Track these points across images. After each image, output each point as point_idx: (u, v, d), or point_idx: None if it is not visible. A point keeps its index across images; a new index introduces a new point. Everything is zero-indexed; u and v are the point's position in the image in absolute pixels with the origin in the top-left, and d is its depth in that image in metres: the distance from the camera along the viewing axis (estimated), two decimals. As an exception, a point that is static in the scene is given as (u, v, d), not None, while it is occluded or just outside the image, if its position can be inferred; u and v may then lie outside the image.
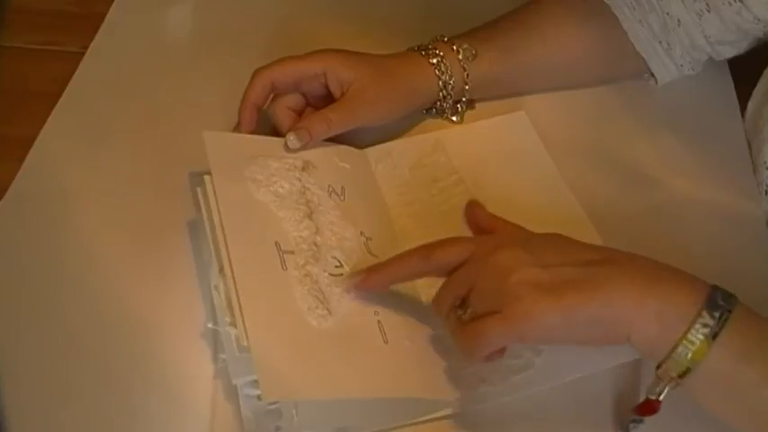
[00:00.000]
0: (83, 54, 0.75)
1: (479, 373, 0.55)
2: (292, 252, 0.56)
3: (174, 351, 0.56)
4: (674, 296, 0.47)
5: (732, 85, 0.76)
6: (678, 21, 0.68)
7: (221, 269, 0.54)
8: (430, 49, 0.69)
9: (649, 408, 0.50)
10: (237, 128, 0.64)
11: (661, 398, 0.49)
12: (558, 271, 0.48)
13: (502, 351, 0.51)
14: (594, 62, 0.73)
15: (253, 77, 0.64)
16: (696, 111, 0.74)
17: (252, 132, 0.64)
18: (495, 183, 0.66)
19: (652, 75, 0.73)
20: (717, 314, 0.46)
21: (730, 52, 0.71)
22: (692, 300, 0.47)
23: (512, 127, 0.71)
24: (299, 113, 0.66)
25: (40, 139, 0.68)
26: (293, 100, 0.66)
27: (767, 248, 0.64)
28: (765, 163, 0.66)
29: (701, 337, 0.46)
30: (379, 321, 0.54)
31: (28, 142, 0.67)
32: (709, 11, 0.67)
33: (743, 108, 0.73)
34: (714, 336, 0.46)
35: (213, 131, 0.61)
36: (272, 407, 0.52)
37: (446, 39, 0.69)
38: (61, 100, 0.71)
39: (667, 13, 0.68)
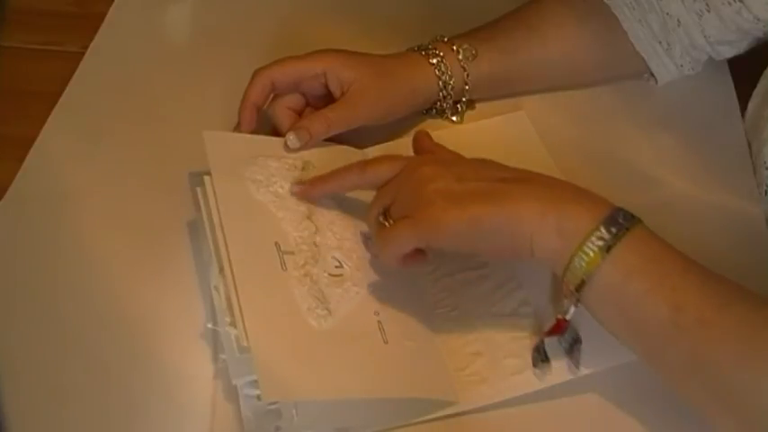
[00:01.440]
0: (83, 54, 0.75)
1: (479, 374, 0.55)
2: (292, 252, 0.56)
3: (173, 351, 0.56)
4: (575, 212, 0.50)
5: (732, 86, 0.76)
6: (678, 21, 0.68)
7: (221, 269, 0.54)
8: (430, 49, 0.69)
9: (558, 327, 0.54)
10: (237, 128, 0.64)
11: (567, 317, 0.52)
12: (471, 185, 0.52)
13: (421, 257, 0.54)
14: (595, 62, 0.73)
15: (253, 77, 0.64)
16: (696, 111, 0.74)
17: (252, 132, 0.64)
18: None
19: (652, 75, 0.73)
20: (614, 230, 0.49)
21: (730, 52, 0.71)
22: (592, 216, 0.49)
23: (512, 127, 0.71)
24: (299, 113, 0.66)
25: (40, 139, 0.68)
26: (293, 100, 0.66)
27: (767, 248, 0.64)
28: (765, 163, 0.66)
29: (595, 249, 0.49)
30: (379, 322, 0.54)
31: (28, 142, 0.67)
32: (708, 11, 0.67)
33: (743, 108, 0.73)
34: (608, 249, 0.48)
35: (213, 131, 0.61)
36: (272, 407, 0.52)
37: (446, 39, 0.69)
38: (61, 100, 0.71)
39: (667, 13, 0.68)
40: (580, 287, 0.49)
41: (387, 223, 0.54)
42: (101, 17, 0.78)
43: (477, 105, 0.73)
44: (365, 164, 0.58)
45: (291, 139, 0.62)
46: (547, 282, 0.59)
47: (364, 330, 0.54)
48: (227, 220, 0.55)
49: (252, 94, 0.64)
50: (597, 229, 0.49)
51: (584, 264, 0.49)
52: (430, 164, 0.54)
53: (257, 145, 0.62)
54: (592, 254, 0.48)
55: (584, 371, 0.54)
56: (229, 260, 0.53)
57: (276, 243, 0.56)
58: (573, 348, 0.54)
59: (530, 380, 0.55)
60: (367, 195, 0.63)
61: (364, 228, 0.60)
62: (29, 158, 0.66)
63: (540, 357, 0.54)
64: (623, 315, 0.50)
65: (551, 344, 0.55)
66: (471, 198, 0.51)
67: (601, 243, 0.48)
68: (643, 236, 0.50)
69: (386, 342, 0.54)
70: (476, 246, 0.52)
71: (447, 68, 0.68)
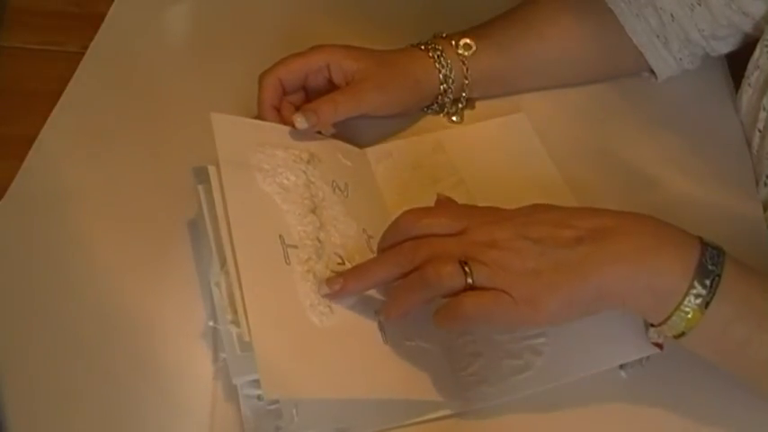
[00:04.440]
0: (83, 54, 0.75)
1: (479, 374, 0.55)
2: (296, 246, 0.55)
3: (174, 351, 0.56)
4: (665, 266, 0.48)
5: (731, 83, 0.76)
6: (672, 15, 0.69)
7: (223, 265, 0.54)
8: (429, 44, 0.69)
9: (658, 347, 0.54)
10: None
11: (661, 341, 0.52)
12: (553, 255, 0.49)
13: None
14: (593, 58, 0.73)
15: (261, 81, 0.64)
16: (695, 109, 0.74)
17: None
18: (495, 184, 0.66)
19: (652, 72, 0.73)
20: (708, 282, 0.48)
21: (724, 48, 0.71)
22: (683, 270, 0.48)
23: (512, 128, 0.71)
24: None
25: (40, 138, 0.68)
26: (294, 97, 0.66)
27: (767, 248, 0.64)
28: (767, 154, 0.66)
29: (694, 307, 0.48)
30: (379, 321, 0.54)
31: (28, 142, 0.67)
32: (700, 4, 0.68)
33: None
34: (706, 305, 0.48)
35: (220, 114, 0.60)
36: (272, 407, 0.52)
37: (444, 35, 0.70)
38: (61, 100, 0.71)
39: (661, 8, 0.69)
40: (679, 336, 0.49)
41: (468, 279, 0.49)
42: (101, 17, 0.78)
43: (477, 105, 0.73)
44: (420, 213, 0.52)
45: (299, 120, 0.62)
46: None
47: (365, 330, 0.54)
48: (232, 208, 0.54)
49: (266, 97, 0.64)
50: (692, 286, 0.48)
51: (684, 321, 0.48)
52: (504, 227, 0.50)
53: (265, 132, 0.62)
54: (691, 313, 0.48)
55: (582, 372, 0.54)
56: (233, 250, 0.52)
57: (280, 236, 0.55)
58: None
59: (529, 380, 0.54)
60: (370, 198, 0.63)
61: (367, 225, 0.60)
62: (29, 158, 0.66)
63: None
64: (722, 356, 0.51)
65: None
66: (559, 275, 0.48)
67: (699, 301, 0.48)
68: (734, 276, 0.49)
69: (386, 342, 0.54)
70: (568, 318, 0.50)
71: (447, 62, 0.68)
